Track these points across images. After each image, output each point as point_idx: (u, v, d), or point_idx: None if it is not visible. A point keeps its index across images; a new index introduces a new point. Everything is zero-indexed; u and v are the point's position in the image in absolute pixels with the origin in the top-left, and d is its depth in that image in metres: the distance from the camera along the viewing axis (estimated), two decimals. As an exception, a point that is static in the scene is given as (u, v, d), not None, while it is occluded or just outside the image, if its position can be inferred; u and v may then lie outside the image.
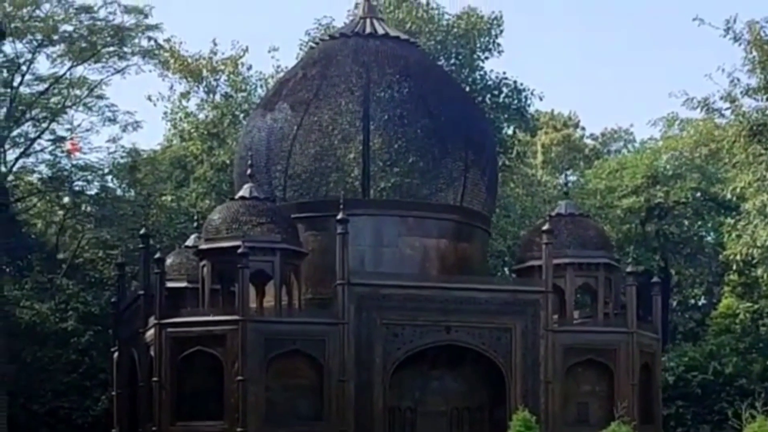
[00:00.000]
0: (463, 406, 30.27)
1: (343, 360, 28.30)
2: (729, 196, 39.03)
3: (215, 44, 50.49)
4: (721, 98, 36.56)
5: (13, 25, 44.46)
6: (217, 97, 50.01)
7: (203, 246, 29.74)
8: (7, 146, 47.57)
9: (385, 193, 32.94)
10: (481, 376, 30.10)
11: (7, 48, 42.40)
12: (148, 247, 32.58)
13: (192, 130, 49.33)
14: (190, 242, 34.50)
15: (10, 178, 48.52)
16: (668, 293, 51.05)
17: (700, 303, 54.35)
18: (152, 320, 29.52)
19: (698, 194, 49.04)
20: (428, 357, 29.61)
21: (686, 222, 52.08)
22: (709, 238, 52.87)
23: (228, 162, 45.46)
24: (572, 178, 60.42)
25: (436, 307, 29.25)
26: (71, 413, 42.80)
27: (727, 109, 37.13)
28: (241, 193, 30.36)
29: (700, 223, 52.03)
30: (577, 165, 63.50)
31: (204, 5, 79.77)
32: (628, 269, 31.60)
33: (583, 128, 66.86)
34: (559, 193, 50.19)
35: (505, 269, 47.88)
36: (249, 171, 30.63)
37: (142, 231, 34.19)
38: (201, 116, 49.99)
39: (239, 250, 28.20)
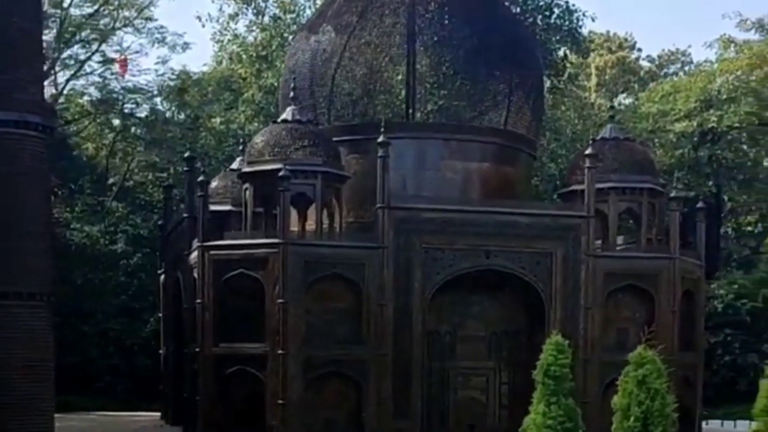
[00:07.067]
0: (502, 330, 29.92)
1: (382, 284, 28.08)
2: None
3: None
4: (777, 19, 35.59)
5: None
6: (266, 19, 49.70)
7: (246, 169, 29.57)
8: (57, 68, 47.80)
9: (431, 116, 32.52)
10: (521, 301, 29.78)
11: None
12: (193, 170, 32.53)
13: (240, 52, 49.12)
14: (235, 165, 34.48)
15: (61, 100, 48.85)
16: (720, 220, 50.23)
17: (756, 231, 53.06)
18: (196, 243, 29.53)
19: (753, 119, 47.87)
20: (467, 281, 29.20)
21: (743, 147, 51.06)
22: (765, 164, 51.78)
23: (276, 85, 45.19)
24: (627, 102, 59.41)
25: (476, 232, 28.77)
26: (121, 334, 43.43)
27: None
28: (283, 116, 30.02)
29: (755, 148, 50.99)
30: (632, 88, 62.24)
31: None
32: (672, 194, 30.81)
33: (640, 50, 65.42)
34: (611, 117, 49.41)
35: (555, 193, 47.40)
36: (292, 94, 30.31)
37: (187, 154, 34.18)
38: (249, 38, 49.76)
39: (280, 173, 27.98)
